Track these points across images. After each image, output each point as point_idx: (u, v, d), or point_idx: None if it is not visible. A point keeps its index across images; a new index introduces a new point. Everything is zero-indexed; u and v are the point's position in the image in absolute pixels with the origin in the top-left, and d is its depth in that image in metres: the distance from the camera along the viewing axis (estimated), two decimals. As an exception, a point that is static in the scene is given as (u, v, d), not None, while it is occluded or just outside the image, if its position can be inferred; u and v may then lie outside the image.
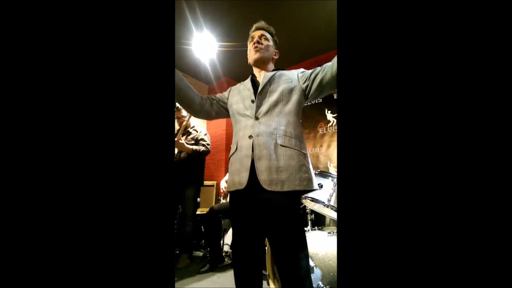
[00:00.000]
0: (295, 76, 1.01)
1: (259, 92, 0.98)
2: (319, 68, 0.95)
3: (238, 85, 1.15)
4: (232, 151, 1.01)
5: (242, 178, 0.90)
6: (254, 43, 1.07)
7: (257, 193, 0.88)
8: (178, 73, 0.96)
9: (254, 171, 0.88)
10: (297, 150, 0.90)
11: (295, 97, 0.97)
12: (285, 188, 0.85)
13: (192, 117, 2.38)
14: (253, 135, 0.92)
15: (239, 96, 1.06)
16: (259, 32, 1.09)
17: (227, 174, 1.03)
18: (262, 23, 1.12)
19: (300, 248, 0.85)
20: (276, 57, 1.15)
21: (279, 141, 0.90)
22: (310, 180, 0.89)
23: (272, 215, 0.87)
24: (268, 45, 1.08)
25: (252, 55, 1.08)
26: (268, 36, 1.11)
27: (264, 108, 0.96)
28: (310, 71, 0.99)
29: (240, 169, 0.92)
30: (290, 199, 0.86)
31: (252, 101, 0.99)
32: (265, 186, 0.86)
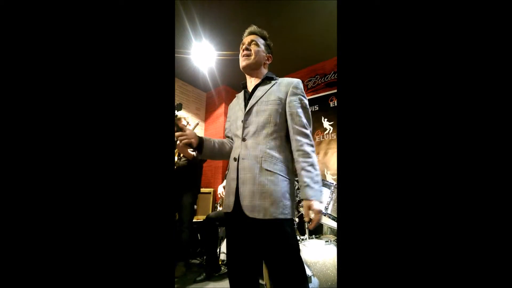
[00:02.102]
0: (283, 96, 0.96)
1: (246, 113, 0.96)
2: (296, 120, 0.92)
3: (234, 100, 1.13)
4: (227, 171, 1.01)
5: (230, 202, 0.90)
6: (243, 50, 1.04)
7: (242, 218, 0.85)
8: (209, 139, 0.98)
9: (239, 195, 0.87)
10: (281, 176, 0.87)
11: (283, 119, 0.94)
12: (267, 216, 0.81)
13: (194, 126, 2.39)
14: (238, 158, 0.91)
15: (234, 116, 1.05)
16: (249, 38, 1.06)
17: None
18: (253, 28, 1.09)
19: (294, 271, 0.82)
20: (268, 62, 1.11)
21: (264, 165, 0.87)
22: (293, 208, 0.88)
23: (258, 242, 0.86)
24: (258, 51, 1.04)
25: (240, 62, 1.05)
26: (260, 41, 1.06)
27: (251, 129, 0.93)
28: (296, 108, 0.93)
29: (229, 192, 0.92)
30: (273, 227, 0.83)
31: (242, 121, 0.97)
32: (247, 213, 0.84)
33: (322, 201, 0.85)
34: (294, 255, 0.84)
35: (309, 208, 0.82)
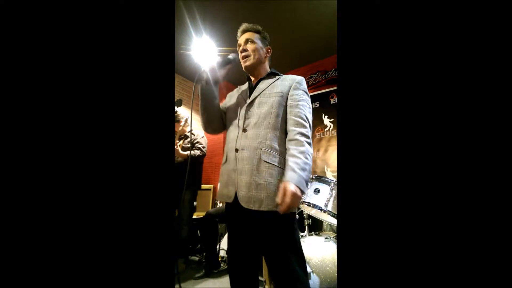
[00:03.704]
0: (286, 90, 0.97)
1: (248, 104, 0.96)
2: (295, 112, 0.92)
3: (235, 91, 1.12)
4: (223, 160, 1.00)
5: (230, 192, 0.90)
6: (241, 52, 1.03)
7: (240, 209, 0.86)
8: (215, 90, 0.97)
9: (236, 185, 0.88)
10: (280, 168, 0.87)
11: (285, 113, 0.95)
12: (263, 208, 0.82)
13: (188, 121, 2.37)
14: (238, 149, 0.91)
15: (233, 104, 1.04)
16: (244, 37, 1.04)
17: None
18: (244, 26, 1.06)
19: (292, 264, 0.82)
20: (269, 55, 1.09)
21: (263, 157, 0.87)
22: None
23: (255, 233, 0.88)
24: (255, 49, 1.02)
25: (242, 64, 1.04)
26: (255, 36, 1.04)
27: (252, 120, 0.93)
28: (296, 101, 0.94)
29: (227, 182, 0.92)
30: (269, 219, 0.83)
31: (244, 112, 0.97)
32: (242, 203, 0.84)
33: (303, 190, 0.79)
34: (292, 248, 0.84)
35: (285, 190, 0.76)
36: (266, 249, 0.86)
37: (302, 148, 0.84)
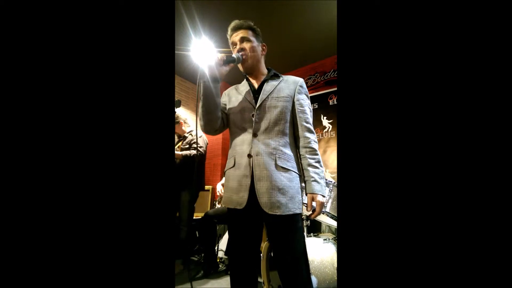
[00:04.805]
0: (292, 94, 0.98)
1: (258, 107, 0.94)
2: (304, 118, 0.98)
3: (233, 90, 1.08)
4: (229, 165, 0.97)
5: (241, 199, 0.88)
6: (238, 52, 0.98)
7: (258, 214, 0.87)
8: (218, 88, 0.92)
9: (254, 191, 0.87)
10: (295, 172, 0.91)
11: (291, 117, 0.97)
12: (286, 212, 0.84)
13: (187, 121, 2.36)
14: (252, 154, 0.90)
15: (237, 105, 1.00)
16: (238, 36, 0.99)
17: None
18: (236, 23, 1.00)
19: (300, 263, 0.87)
20: (264, 52, 1.06)
21: (279, 163, 0.88)
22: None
23: (273, 235, 0.90)
24: (252, 48, 0.99)
25: (240, 66, 1.01)
26: (249, 34, 1.00)
27: (263, 124, 0.92)
28: (304, 106, 0.98)
29: (238, 188, 0.90)
30: (291, 221, 0.87)
31: (253, 115, 0.94)
32: (266, 210, 0.85)
33: (325, 195, 0.93)
34: (304, 246, 0.91)
35: (313, 200, 0.89)
36: (281, 246, 0.89)
37: (317, 157, 0.95)
